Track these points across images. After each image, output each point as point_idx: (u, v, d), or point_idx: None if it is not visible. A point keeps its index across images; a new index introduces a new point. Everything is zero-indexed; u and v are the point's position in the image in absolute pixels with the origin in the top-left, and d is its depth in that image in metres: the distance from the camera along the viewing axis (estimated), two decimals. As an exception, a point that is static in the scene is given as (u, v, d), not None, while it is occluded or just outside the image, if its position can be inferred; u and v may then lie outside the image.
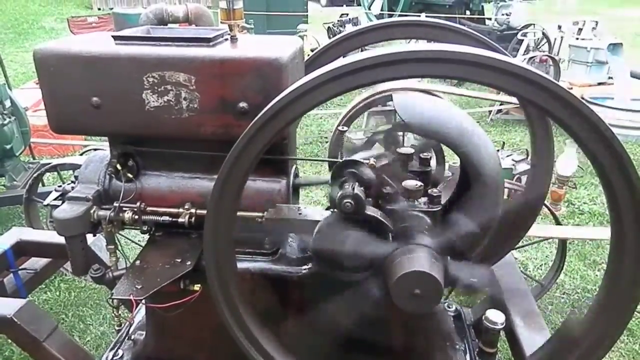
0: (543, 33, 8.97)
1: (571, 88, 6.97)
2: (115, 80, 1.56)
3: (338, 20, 10.39)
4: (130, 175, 1.73)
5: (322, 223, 1.49)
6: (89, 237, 1.82)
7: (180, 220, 1.66)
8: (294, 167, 1.82)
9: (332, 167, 1.55)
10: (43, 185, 4.18)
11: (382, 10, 12.18)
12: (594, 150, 1.10)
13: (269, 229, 1.66)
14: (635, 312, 1.31)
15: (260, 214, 1.63)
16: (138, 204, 1.70)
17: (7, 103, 4.35)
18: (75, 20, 11.07)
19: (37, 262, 2.87)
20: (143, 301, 1.65)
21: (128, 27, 1.80)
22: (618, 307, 1.25)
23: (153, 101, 1.56)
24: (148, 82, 1.53)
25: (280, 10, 10.94)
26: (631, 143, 6.39)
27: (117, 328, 1.91)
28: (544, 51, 8.45)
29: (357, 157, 1.52)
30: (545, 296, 3.49)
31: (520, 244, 2.42)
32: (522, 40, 8.51)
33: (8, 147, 4.27)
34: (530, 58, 7.25)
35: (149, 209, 1.71)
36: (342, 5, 18.51)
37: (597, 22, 8.39)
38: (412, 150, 1.68)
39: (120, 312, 1.79)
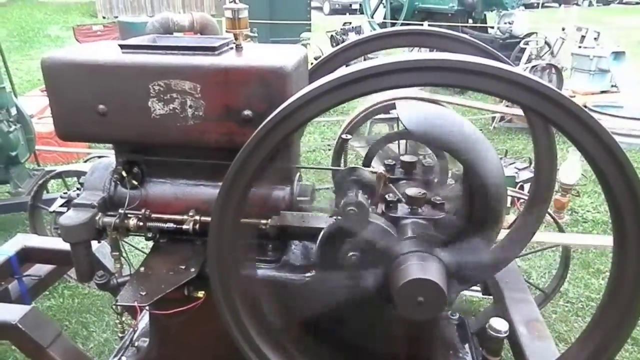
0: (545, 41, 9.00)
1: (574, 96, 6.99)
2: (122, 89, 1.57)
3: (341, 29, 10.44)
4: (135, 182, 1.74)
5: (325, 230, 1.50)
6: (93, 244, 1.83)
7: (184, 227, 1.67)
8: (297, 174, 1.83)
9: (336, 175, 1.56)
10: (47, 192, 4.20)
11: (384, 18, 12.26)
12: (597, 159, 1.10)
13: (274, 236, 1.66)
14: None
15: (264, 221, 1.64)
16: (143, 210, 1.71)
17: (13, 110, 4.39)
18: (80, 28, 11.16)
19: (41, 269, 2.89)
20: (147, 308, 1.65)
21: (133, 36, 1.82)
22: (621, 312, 1.25)
23: (159, 109, 1.57)
24: (154, 90, 1.55)
25: (283, 19, 11.01)
26: (635, 151, 6.38)
27: (120, 335, 1.91)
28: (546, 60, 8.47)
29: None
30: (549, 305, 3.48)
31: (523, 252, 2.42)
32: (525, 48, 8.54)
33: (13, 154, 4.30)
34: (533, 66, 7.27)
35: (153, 215, 1.72)
36: (345, 14, 18.64)
37: (599, 32, 8.41)
38: (416, 158, 1.68)
39: (123, 318, 1.80)
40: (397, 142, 2.15)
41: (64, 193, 1.88)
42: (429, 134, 1.54)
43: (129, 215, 1.71)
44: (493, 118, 7.43)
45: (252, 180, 1.28)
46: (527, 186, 4.27)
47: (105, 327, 3.35)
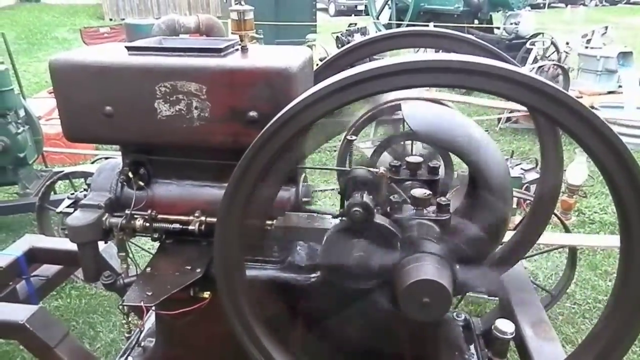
0: (552, 42, 8.95)
1: (581, 97, 6.95)
2: (128, 90, 1.58)
3: (347, 30, 10.42)
4: (141, 183, 1.75)
5: (330, 231, 1.50)
6: (100, 245, 1.85)
7: (190, 227, 1.68)
8: (303, 175, 1.83)
9: (341, 176, 1.56)
10: (55, 193, 4.23)
11: (390, 19, 12.24)
12: (603, 160, 1.10)
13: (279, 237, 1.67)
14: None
15: (269, 222, 1.65)
16: (149, 211, 1.72)
17: (21, 112, 4.43)
18: (87, 31, 11.24)
19: (49, 269, 2.91)
20: (153, 308, 1.66)
21: (140, 38, 1.83)
22: (629, 313, 1.24)
23: (165, 110, 1.58)
24: (160, 92, 1.56)
25: (289, 21, 11.03)
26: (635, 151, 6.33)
27: (126, 335, 1.92)
28: (552, 60, 8.43)
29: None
30: (555, 306, 3.46)
31: (529, 253, 2.41)
32: (531, 49, 8.50)
33: (22, 155, 4.34)
34: (540, 67, 7.23)
35: (159, 216, 1.73)
36: (351, 15, 18.64)
37: (607, 27, 8.36)
38: (421, 159, 1.68)
39: (130, 319, 1.81)
40: (409, 142, 2.15)
41: (71, 194, 1.89)
42: (434, 134, 1.54)
43: (135, 216, 1.72)
44: (499, 119, 7.40)
45: (257, 181, 1.29)
46: (533, 187, 4.25)
47: (112, 327, 3.37)
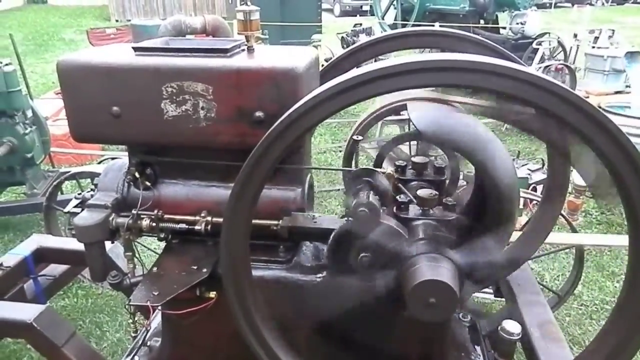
0: (558, 41, 8.90)
1: (588, 97, 6.90)
2: (135, 91, 1.59)
3: (352, 30, 10.43)
4: (148, 184, 1.76)
5: (336, 232, 1.50)
6: (107, 244, 1.85)
7: (196, 227, 1.68)
8: (308, 175, 1.83)
9: (347, 176, 1.56)
10: (62, 193, 4.25)
11: (395, 19, 12.22)
12: (612, 160, 1.09)
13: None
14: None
15: (275, 222, 1.65)
16: (155, 211, 1.73)
17: (29, 113, 4.46)
18: (94, 32, 11.31)
19: (56, 269, 2.93)
20: (159, 308, 1.67)
21: (146, 38, 1.84)
22: (638, 315, 1.23)
23: (171, 111, 1.59)
24: (167, 92, 1.57)
25: (294, 21, 11.03)
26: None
27: (133, 334, 1.93)
28: (559, 60, 8.39)
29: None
30: (562, 307, 3.44)
31: (536, 254, 2.40)
32: (537, 49, 8.46)
33: (29, 155, 4.37)
34: (546, 67, 7.20)
35: (166, 216, 1.74)
36: (356, 15, 18.62)
37: (613, 30, 8.31)
38: (427, 159, 1.68)
39: (136, 318, 1.81)
40: (408, 143, 2.15)
41: (78, 194, 1.90)
42: (440, 135, 1.53)
43: (141, 216, 1.73)
44: (505, 119, 7.35)
45: (264, 182, 1.29)
46: (539, 188, 4.23)
47: (119, 327, 3.38)
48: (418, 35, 2.02)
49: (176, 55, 1.61)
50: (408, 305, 1.33)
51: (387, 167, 1.73)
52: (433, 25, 8.53)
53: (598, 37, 8.23)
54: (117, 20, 18.35)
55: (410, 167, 1.77)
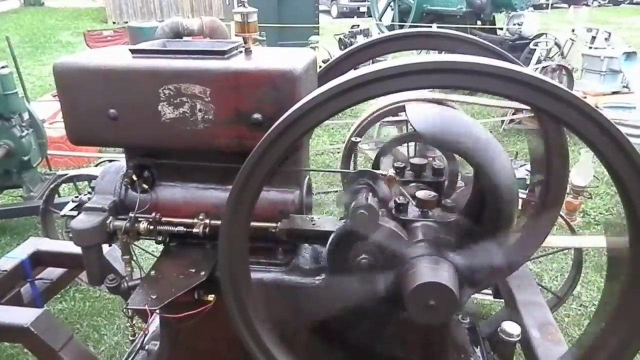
0: (555, 42, 8.93)
1: (585, 97, 6.92)
2: (132, 93, 1.58)
3: (349, 32, 10.44)
4: (145, 186, 1.75)
5: (335, 233, 1.49)
6: (104, 247, 1.84)
7: (194, 230, 1.67)
8: (307, 177, 1.83)
9: (345, 178, 1.56)
10: (59, 196, 4.24)
11: (393, 21, 12.25)
12: (612, 160, 1.09)
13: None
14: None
15: (274, 225, 1.64)
16: (153, 214, 1.72)
17: (26, 115, 4.45)
18: (91, 34, 11.27)
19: (53, 272, 2.91)
20: (157, 311, 1.66)
21: (143, 40, 1.83)
22: (637, 318, 1.23)
23: (169, 113, 1.58)
24: (164, 94, 1.56)
25: (291, 23, 11.04)
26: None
27: (131, 338, 1.92)
28: (555, 60, 8.41)
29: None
30: (561, 308, 3.44)
31: (535, 255, 2.39)
32: (534, 49, 8.48)
33: (26, 158, 4.36)
34: (543, 67, 7.22)
35: (164, 219, 1.73)
36: (353, 17, 18.62)
37: (610, 33, 8.33)
38: (426, 161, 1.67)
39: (134, 322, 1.81)
40: (406, 144, 2.15)
41: (76, 197, 1.89)
42: (438, 136, 1.53)
43: (139, 219, 1.72)
44: (503, 120, 7.38)
45: (262, 184, 1.28)
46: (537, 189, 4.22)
47: (116, 331, 3.37)
48: (415, 37, 2.02)
49: (173, 57, 1.61)
50: (407, 308, 1.32)
51: (388, 170, 1.73)
52: (430, 27, 8.55)
53: (595, 37, 8.25)
54: (114, 23, 18.31)
55: (408, 168, 1.76)
